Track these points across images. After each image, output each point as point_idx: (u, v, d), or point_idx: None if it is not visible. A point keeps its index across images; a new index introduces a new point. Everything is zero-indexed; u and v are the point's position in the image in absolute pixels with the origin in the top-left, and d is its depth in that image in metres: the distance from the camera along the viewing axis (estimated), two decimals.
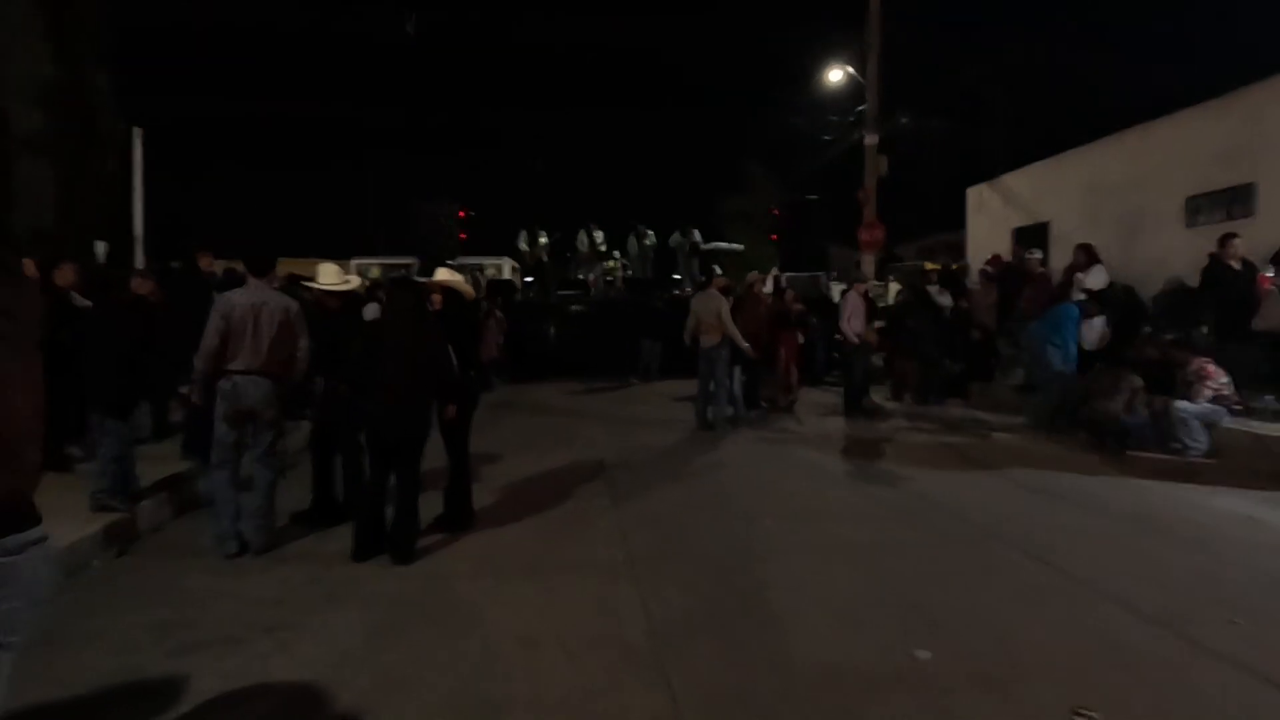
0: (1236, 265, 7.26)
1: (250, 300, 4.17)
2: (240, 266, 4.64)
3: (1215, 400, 6.40)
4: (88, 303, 5.50)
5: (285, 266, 10.94)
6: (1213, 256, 7.47)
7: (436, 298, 4.77)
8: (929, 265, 11.96)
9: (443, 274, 4.96)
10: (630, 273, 16.10)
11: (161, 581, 3.85)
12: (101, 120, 9.60)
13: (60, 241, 8.23)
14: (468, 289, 5.05)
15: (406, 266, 14.90)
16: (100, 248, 8.94)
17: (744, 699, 2.71)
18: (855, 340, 9.05)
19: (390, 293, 4.59)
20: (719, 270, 9.40)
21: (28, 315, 1.29)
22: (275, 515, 4.44)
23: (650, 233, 16.23)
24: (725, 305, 8.19)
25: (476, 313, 6.03)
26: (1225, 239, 7.44)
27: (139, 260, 8.83)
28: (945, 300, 10.05)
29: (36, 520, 1.32)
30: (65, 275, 5.78)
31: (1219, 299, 7.34)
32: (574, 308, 14.72)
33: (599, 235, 16.13)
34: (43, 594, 1.34)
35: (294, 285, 6.95)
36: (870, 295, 9.58)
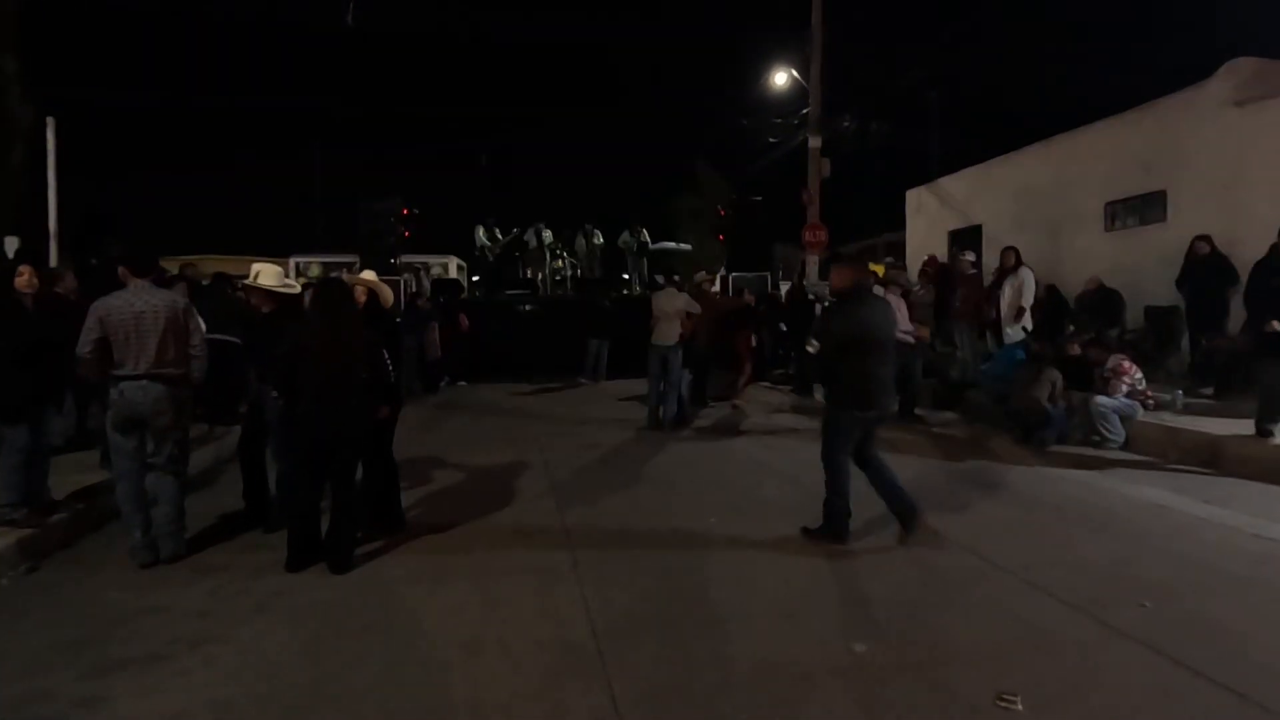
0: None
1: (129, 302, 3.95)
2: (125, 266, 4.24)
3: (1130, 395, 6.79)
4: None
5: (219, 264, 10.52)
6: (1273, 246, 6.24)
7: (361, 293, 4.67)
8: (874, 266, 12.29)
9: (367, 275, 4.95)
10: (579, 272, 16.07)
11: (76, 598, 3.65)
12: (8, 107, 9.04)
13: None
14: (387, 292, 5.01)
15: (349, 265, 14.51)
16: (10, 243, 8.44)
17: (683, 694, 2.74)
18: (911, 341, 8.07)
19: (315, 290, 4.45)
20: (668, 274, 9.47)
21: None
22: (185, 522, 4.23)
23: (598, 232, 16.25)
24: (690, 301, 8.43)
25: (393, 316, 5.99)
26: None
27: (53, 256, 8.36)
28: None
29: None
30: None
31: (1272, 293, 5.96)
32: (522, 307, 14.59)
33: (547, 235, 16.05)
34: None
35: (222, 283, 6.69)
36: (909, 294, 8.64)
